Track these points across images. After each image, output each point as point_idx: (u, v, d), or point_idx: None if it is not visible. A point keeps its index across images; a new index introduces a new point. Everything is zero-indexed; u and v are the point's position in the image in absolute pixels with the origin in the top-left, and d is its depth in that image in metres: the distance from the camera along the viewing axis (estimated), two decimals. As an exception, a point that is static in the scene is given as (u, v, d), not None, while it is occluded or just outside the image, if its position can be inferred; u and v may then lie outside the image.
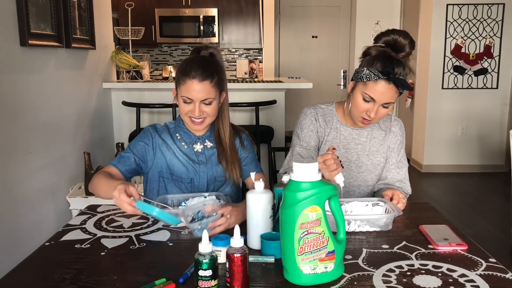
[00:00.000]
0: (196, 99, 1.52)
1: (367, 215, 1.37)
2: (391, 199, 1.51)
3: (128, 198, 1.24)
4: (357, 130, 1.70)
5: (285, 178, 1.36)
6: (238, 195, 1.75)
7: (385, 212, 1.39)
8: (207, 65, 1.53)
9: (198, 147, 1.65)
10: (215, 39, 5.56)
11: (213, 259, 0.97)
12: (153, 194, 1.69)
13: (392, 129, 1.71)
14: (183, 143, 1.64)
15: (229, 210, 1.32)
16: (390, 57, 1.49)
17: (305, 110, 1.74)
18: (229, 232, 1.24)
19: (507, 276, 1.06)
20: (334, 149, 1.40)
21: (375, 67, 1.48)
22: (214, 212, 1.31)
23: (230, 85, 3.55)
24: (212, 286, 0.97)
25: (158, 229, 1.37)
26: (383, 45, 1.53)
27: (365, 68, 1.51)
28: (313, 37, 6.17)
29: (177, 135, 1.65)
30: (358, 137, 1.69)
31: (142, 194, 2.55)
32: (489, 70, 4.97)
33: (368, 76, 1.49)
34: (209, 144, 1.66)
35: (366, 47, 1.57)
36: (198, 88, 1.51)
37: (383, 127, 1.71)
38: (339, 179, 1.36)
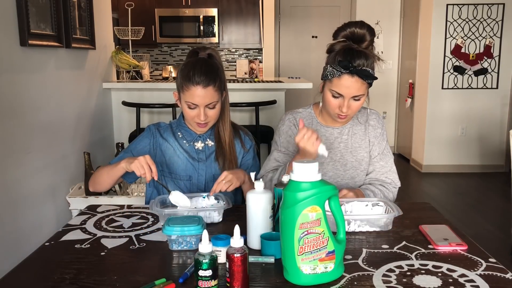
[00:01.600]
0: (201, 104, 1.55)
1: (367, 215, 1.37)
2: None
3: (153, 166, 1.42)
4: (338, 128, 1.69)
5: (285, 178, 1.36)
6: (236, 196, 1.75)
7: (385, 212, 1.39)
8: (209, 70, 1.55)
9: (199, 145, 1.67)
10: (215, 39, 5.55)
11: (213, 259, 0.97)
12: (155, 193, 1.69)
13: (370, 123, 1.70)
14: (184, 141, 1.67)
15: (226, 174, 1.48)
16: (350, 50, 1.49)
17: (283, 117, 1.74)
18: (229, 232, 1.24)
19: (507, 276, 1.06)
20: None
21: (337, 62, 1.48)
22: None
23: (230, 85, 3.55)
24: (212, 286, 0.97)
25: (158, 229, 1.37)
26: (344, 39, 1.53)
27: (328, 66, 1.52)
28: (313, 37, 6.17)
29: (178, 133, 1.68)
30: (339, 135, 1.68)
31: (143, 194, 2.53)
32: (489, 70, 4.97)
33: (331, 73, 1.50)
34: (210, 142, 1.68)
35: (329, 44, 1.56)
36: (202, 94, 1.54)
37: (362, 121, 1.70)
38: (322, 149, 1.38)
